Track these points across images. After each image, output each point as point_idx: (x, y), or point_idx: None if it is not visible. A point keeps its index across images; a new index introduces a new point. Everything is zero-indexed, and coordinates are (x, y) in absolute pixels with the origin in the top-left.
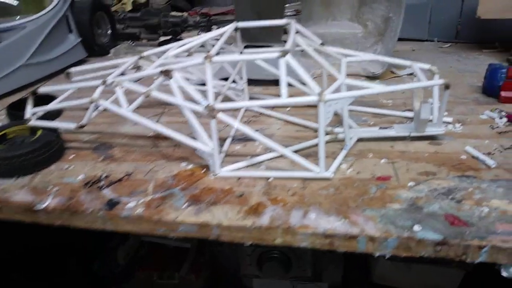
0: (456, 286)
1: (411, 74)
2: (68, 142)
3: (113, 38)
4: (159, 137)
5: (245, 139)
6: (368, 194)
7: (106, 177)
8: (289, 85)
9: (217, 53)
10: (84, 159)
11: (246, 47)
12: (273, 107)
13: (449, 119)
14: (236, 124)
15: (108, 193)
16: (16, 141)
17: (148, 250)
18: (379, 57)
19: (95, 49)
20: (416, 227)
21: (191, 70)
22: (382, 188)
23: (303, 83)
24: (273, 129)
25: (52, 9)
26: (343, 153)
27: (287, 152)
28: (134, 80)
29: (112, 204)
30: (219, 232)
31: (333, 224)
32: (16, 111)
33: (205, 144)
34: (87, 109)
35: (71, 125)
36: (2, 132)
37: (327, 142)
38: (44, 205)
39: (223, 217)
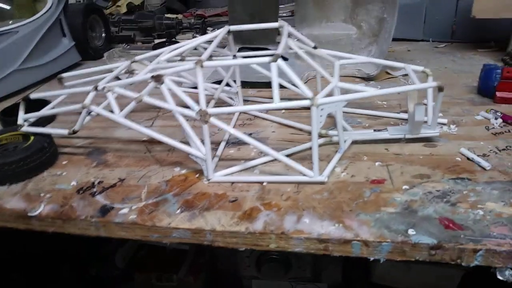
0: (455, 285)
1: (406, 75)
2: (62, 148)
3: (107, 41)
4: (152, 141)
5: (239, 142)
6: (362, 198)
7: (99, 183)
8: (283, 87)
9: (210, 56)
10: (77, 165)
11: (240, 49)
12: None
13: (444, 121)
14: (229, 129)
15: (101, 200)
16: (9, 148)
17: (146, 252)
18: (372, 59)
19: (89, 52)
20: (411, 231)
21: (184, 73)
22: (376, 191)
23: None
24: (267, 132)
25: (45, 13)
26: (337, 156)
27: (281, 156)
28: (126, 85)
29: (105, 210)
30: (213, 238)
31: (327, 228)
32: (8, 117)
33: (198, 149)
34: (80, 113)
35: (64, 131)
36: None
37: (321, 145)
38: (36, 213)
39: (216, 223)
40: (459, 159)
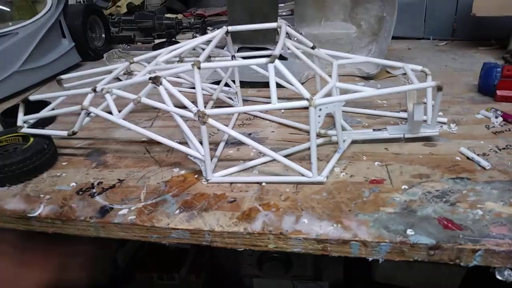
0: (457, 284)
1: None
2: (61, 149)
3: (107, 42)
4: (152, 142)
5: (239, 143)
6: (361, 198)
7: (99, 184)
8: (283, 86)
9: (209, 57)
10: (77, 166)
11: (240, 49)
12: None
13: (444, 120)
14: (227, 130)
15: (100, 200)
16: (9, 149)
17: (147, 251)
18: (371, 59)
19: (89, 53)
20: (409, 231)
21: (183, 74)
22: (375, 191)
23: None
24: (267, 132)
25: (44, 14)
26: (336, 156)
27: (279, 157)
28: (124, 86)
29: (104, 211)
30: (211, 238)
31: (325, 229)
32: (9, 118)
33: (197, 150)
34: (79, 114)
35: (63, 133)
36: None
37: (321, 144)
38: (36, 213)
39: (215, 223)
40: (458, 158)
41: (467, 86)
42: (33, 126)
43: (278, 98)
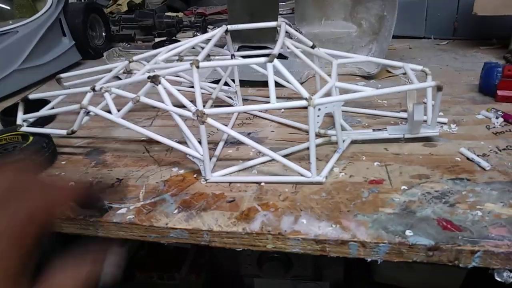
0: (458, 284)
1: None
2: (61, 148)
3: (107, 40)
4: (151, 141)
5: (238, 142)
6: (360, 198)
7: (97, 183)
8: (282, 86)
9: (208, 56)
10: (76, 164)
11: (240, 47)
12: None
13: (445, 120)
14: (226, 129)
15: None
16: (8, 148)
17: (147, 251)
18: (371, 58)
19: (89, 52)
20: (408, 232)
21: (182, 73)
22: (375, 192)
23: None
24: (266, 132)
25: (44, 12)
26: (335, 156)
27: (278, 156)
28: (123, 85)
29: (103, 210)
30: (210, 238)
31: (324, 229)
32: (8, 117)
33: (196, 150)
34: (79, 113)
35: (62, 131)
36: None
37: (320, 144)
38: None
39: (213, 223)
40: (458, 159)
41: (467, 86)
42: (33, 124)
43: (278, 97)
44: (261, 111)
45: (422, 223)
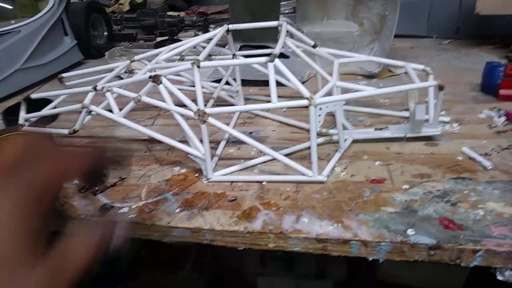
0: (461, 283)
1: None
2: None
3: (109, 40)
4: (153, 140)
5: (239, 141)
6: (361, 197)
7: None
8: (284, 85)
9: (209, 55)
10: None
11: (242, 47)
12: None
13: (447, 119)
14: (227, 129)
15: (102, 199)
16: None
17: (150, 249)
18: (372, 58)
19: (91, 51)
20: (410, 231)
21: (184, 73)
22: (376, 191)
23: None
24: (268, 131)
25: (46, 12)
26: (337, 156)
27: (280, 156)
28: (125, 85)
29: (105, 209)
30: (212, 237)
31: (325, 228)
32: (11, 116)
33: (197, 149)
34: (81, 113)
35: (64, 131)
36: None
37: (322, 144)
38: None
39: (215, 222)
40: (460, 158)
41: (470, 85)
42: (35, 124)
43: (280, 97)
44: (262, 110)
45: (423, 222)
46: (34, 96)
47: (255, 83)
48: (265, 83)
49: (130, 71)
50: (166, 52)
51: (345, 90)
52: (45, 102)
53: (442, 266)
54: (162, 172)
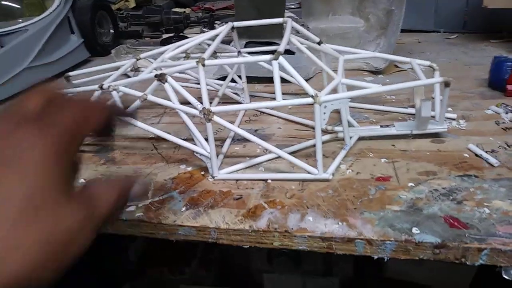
0: (469, 280)
1: None
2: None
3: (115, 37)
4: (159, 139)
5: (245, 139)
6: (367, 195)
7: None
8: (289, 82)
9: (215, 53)
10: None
11: (247, 43)
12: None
13: (453, 115)
14: (232, 127)
15: None
16: None
17: (158, 246)
18: (378, 54)
19: (97, 49)
20: (415, 230)
21: (189, 70)
22: (382, 189)
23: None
24: (273, 128)
25: (53, 11)
26: (342, 153)
27: (285, 154)
28: (130, 84)
29: None
30: (217, 235)
31: (330, 227)
32: None
33: (203, 147)
34: None
35: None
36: None
37: (327, 141)
38: None
39: (220, 221)
40: (467, 155)
41: (477, 81)
42: None
43: (285, 94)
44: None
45: (428, 220)
46: None
47: (261, 80)
48: (271, 80)
49: (136, 69)
50: (172, 50)
51: (350, 87)
52: None
53: (449, 264)
54: (168, 170)
